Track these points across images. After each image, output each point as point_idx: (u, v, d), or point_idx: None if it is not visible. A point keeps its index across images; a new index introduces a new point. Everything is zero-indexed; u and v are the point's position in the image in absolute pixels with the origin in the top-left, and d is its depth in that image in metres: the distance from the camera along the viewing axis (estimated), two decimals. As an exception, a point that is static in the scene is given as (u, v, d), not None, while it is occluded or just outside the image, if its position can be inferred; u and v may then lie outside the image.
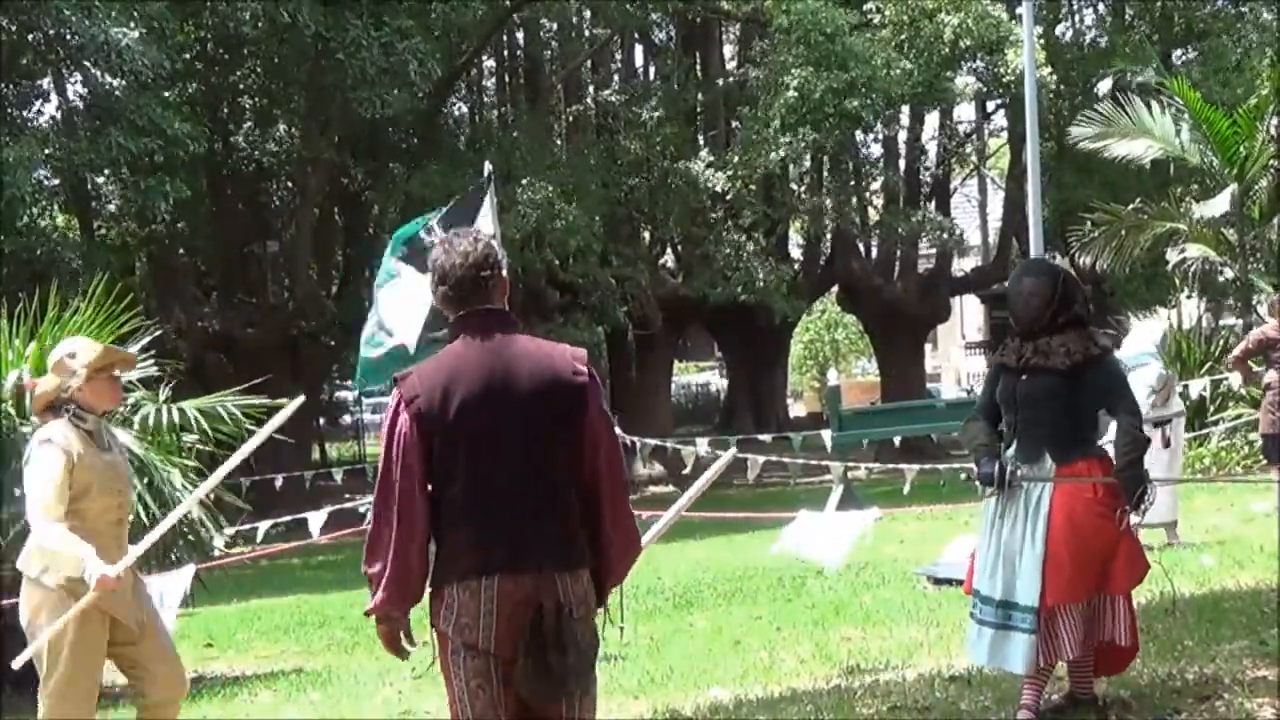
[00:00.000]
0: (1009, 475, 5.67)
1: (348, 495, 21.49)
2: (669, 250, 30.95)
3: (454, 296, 4.08)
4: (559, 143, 27.68)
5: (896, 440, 20.63)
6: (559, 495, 4.05)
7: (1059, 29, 29.69)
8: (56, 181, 23.39)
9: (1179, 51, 27.91)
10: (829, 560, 9.34)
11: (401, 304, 8.45)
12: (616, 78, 31.24)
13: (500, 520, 3.98)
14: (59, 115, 23.51)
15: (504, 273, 4.17)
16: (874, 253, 31.13)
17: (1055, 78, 25.00)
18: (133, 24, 18.94)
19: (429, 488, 3.98)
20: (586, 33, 29.86)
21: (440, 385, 3.97)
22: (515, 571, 3.95)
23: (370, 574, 4.03)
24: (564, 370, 4.05)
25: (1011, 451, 5.75)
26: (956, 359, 48.83)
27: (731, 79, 28.57)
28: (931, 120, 30.79)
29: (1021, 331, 5.79)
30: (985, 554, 5.79)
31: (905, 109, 28.08)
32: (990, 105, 30.28)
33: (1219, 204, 17.17)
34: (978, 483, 5.85)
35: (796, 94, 22.59)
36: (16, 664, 5.59)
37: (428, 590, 4.07)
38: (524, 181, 22.79)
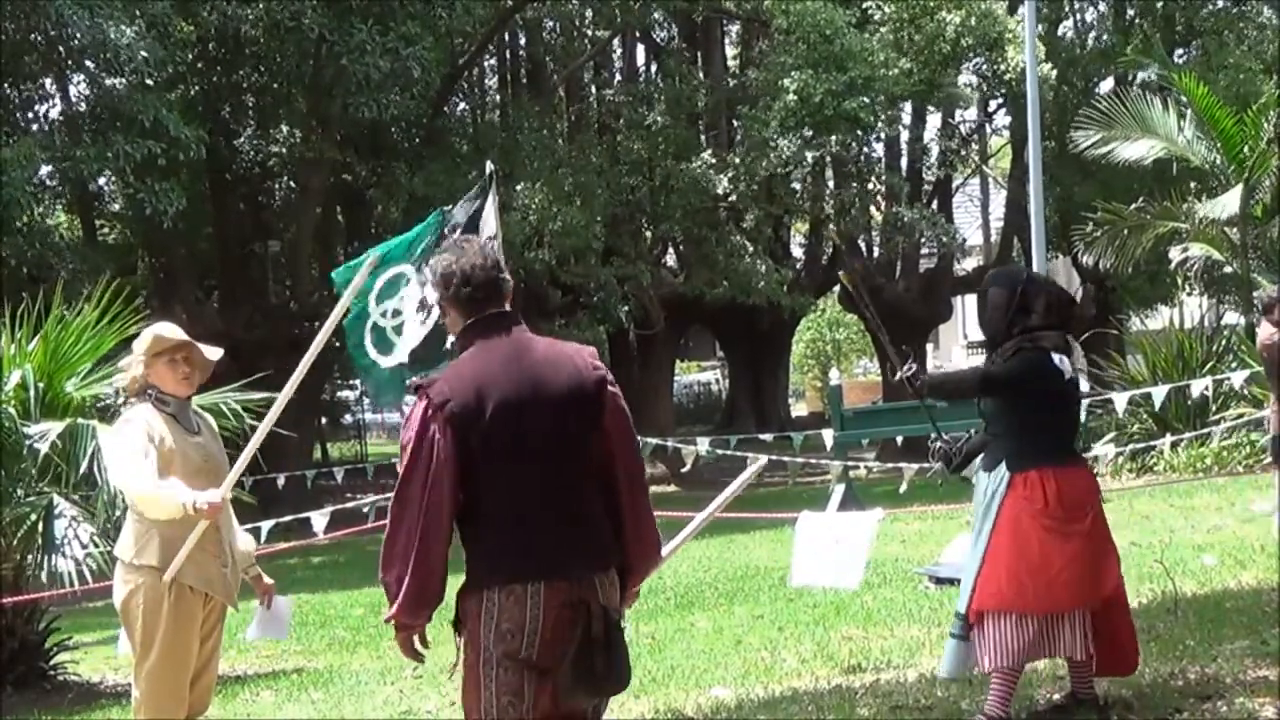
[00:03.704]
0: (951, 452, 5.80)
1: (349, 495, 21.54)
2: (671, 250, 30.95)
3: (476, 298, 4.08)
4: (560, 142, 27.66)
5: (899, 440, 20.61)
6: (592, 496, 4.06)
7: (1061, 28, 29.67)
8: (58, 183, 23.41)
9: (1180, 51, 27.89)
10: (848, 583, 9.31)
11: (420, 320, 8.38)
12: (618, 77, 31.23)
13: (542, 524, 3.97)
14: (61, 117, 23.50)
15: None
16: (875, 252, 31.12)
17: (1055, 74, 24.96)
18: (136, 24, 18.92)
19: (459, 493, 3.94)
20: (589, 32, 29.86)
21: (473, 389, 3.94)
22: (559, 576, 3.94)
23: (388, 581, 3.97)
24: (585, 369, 4.07)
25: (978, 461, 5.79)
26: (958, 358, 48.85)
27: (734, 79, 28.55)
28: (933, 120, 30.78)
29: (987, 341, 5.82)
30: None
31: (907, 109, 28.08)
32: (992, 105, 30.27)
33: (1229, 203, 17.13)
34: (939, 463, 5.97)
35: (796, 97, 22.59)
36: (121, 649, 5.62)
37: (453, 595, 4.03)
38: (519, 186, 22.78)
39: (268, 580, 5.78)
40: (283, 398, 5.66)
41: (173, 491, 5.16)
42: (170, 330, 5.57)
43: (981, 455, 5.76)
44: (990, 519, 5.56)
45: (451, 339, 4.21)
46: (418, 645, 4.10)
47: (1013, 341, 5.63)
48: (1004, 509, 5.53)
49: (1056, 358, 5.63)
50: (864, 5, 24.10)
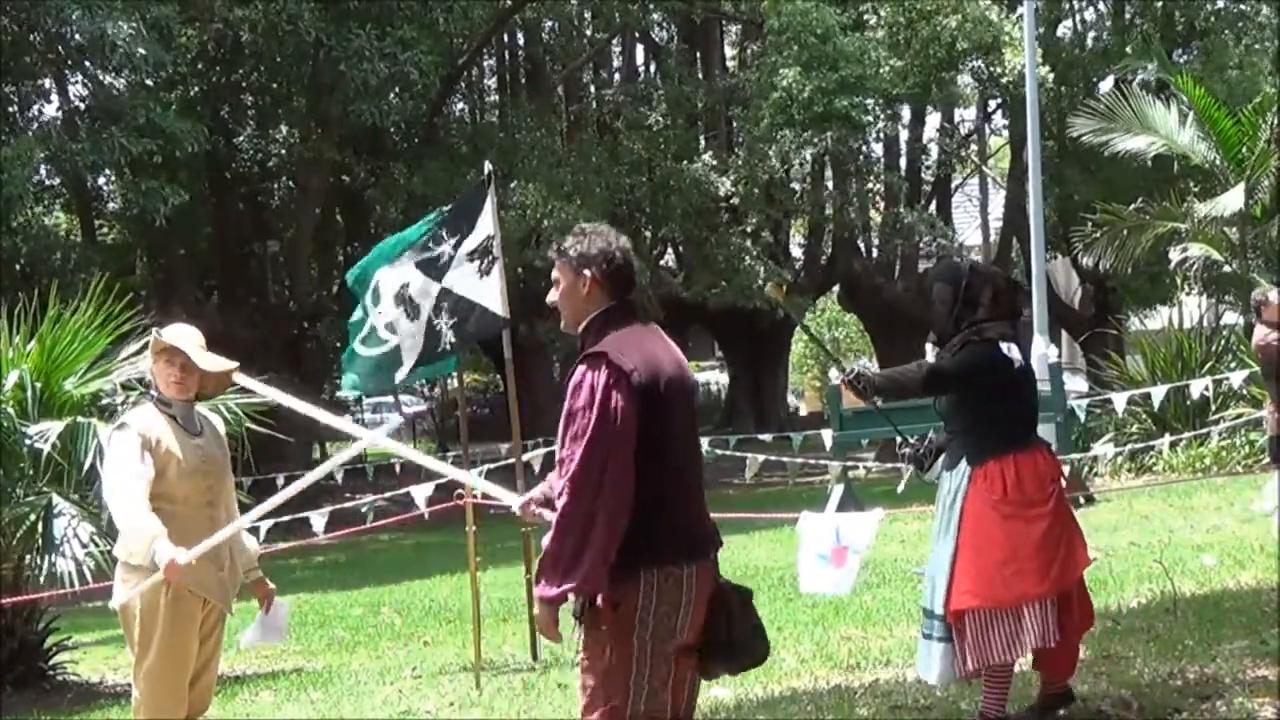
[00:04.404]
0: (920, 455, 5.87)
1: (348, 495, 21.51)
2: (670, 250, 30.92)
3: (625, 281, 4.15)
4: (559, 141, 27.65)
5: (898, 440, 20.60)
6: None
7: (1060, 29, 29.67)
8: (58, 181, 23.42)
9: (1179, 52, 27.89)
10: (845, 588, 9.31)
11: (405, 314, 8.39)
12: (617, 77, 31.21)
13: (695, 505, 4.04)
14: (60, 115, 23.51)
15: None
16: (874, 252, 31.13)
17: (1053, 77, 24.97)
18: (134, 23, 18.90)
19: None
20: (588, 32, 29.85)
21: (648, 362, 3.96)
22: (705, 557, 4.04)
23: (563, 550, 3.84)
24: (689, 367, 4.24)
25: (941, 461, 5.78)
26: (958, 358, 48.78)
27: (732, 79, 28.55)
28: (933, 120, 30.79)
29: (936, 339, 5.79)
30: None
31: (906, 109, 28.08)
32: (991, 104, 30.28)
33: (1229, 203, 17.11)
34: (909, 465, 5.99)
35: (784, 94, 22.61)
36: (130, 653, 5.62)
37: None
38: (512, 185, 22.78)
39: (269, 585, 5.77)
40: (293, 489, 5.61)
41: (150, 535, 5.11)
42: (171, 333, 5.52)
43: (944, 455, 5.75)
44: (955, 517, 5.55)
45: (580, 326, 4.17)
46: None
47: (959, 336, 5.62)
48: (967, 505, 5.52)
49: (1004, 347, 5.60)
50: (860, 8, 24.12)
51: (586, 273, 4.12)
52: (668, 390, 3.96)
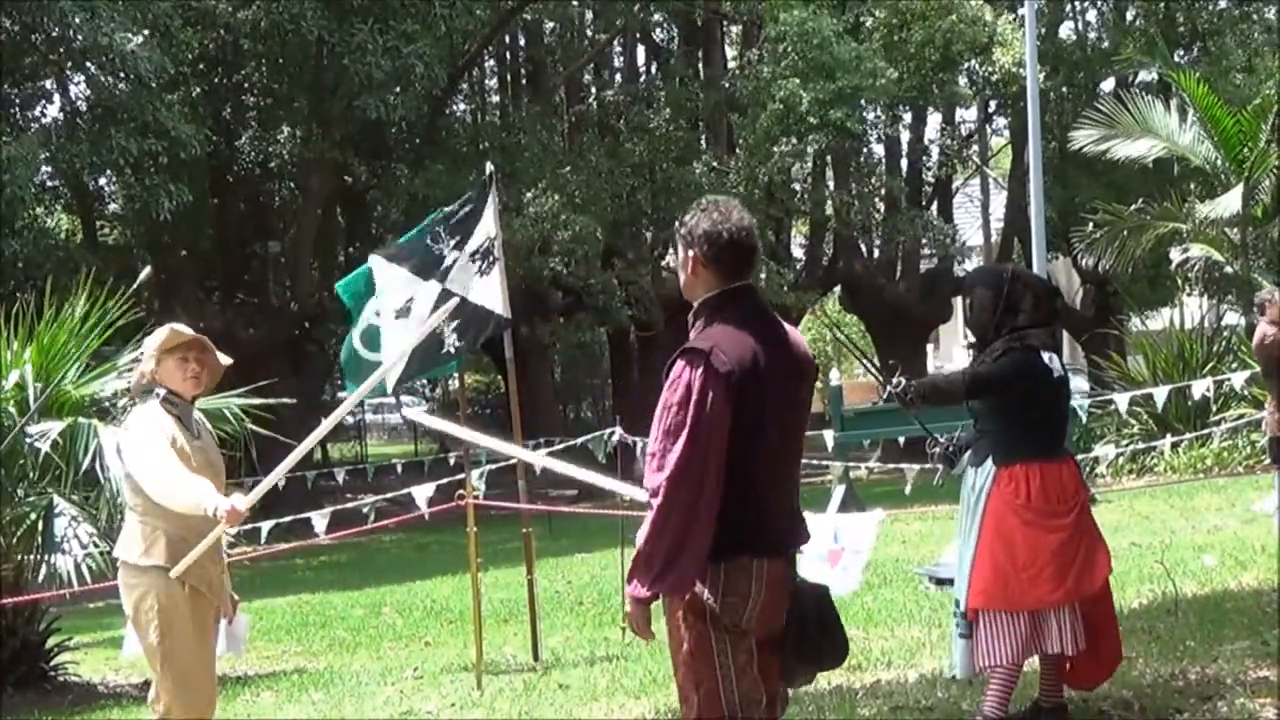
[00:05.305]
0: (951, 453, 5.82)
1: (349, 495, 21.52)
2: (672, 251, 30.88)
3: (735, 263, 3.97)
4: (560, 141, 27.62)
5: (900, 440, 20.58)
6: (798, 471, 4.15)
7: (1062, 30, 29.65)
8: (59, 182, 23.40)
9: (1181, 54, 27.85)
10: (850, 587, 9.32)
11: (392, 321, 8.33)
12: (619, 78, 31.21)
13: (773, 498, 3.97)
14: (61, 116, 23.49)
15: None
16: (876, 253, 31.13)
17: (1046, 79, 24.99)
18: (136, 27, 18.89)
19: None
20: (589, 33, 29.82)
21: (747, 359, 3.85)
22: (780, 552, 3.99)
23: (655, 550, 3.79)
24: (808, 352, 4.11)
25: (967, 456, 5.80)
26: (959, 359, 48.79)
27: (729, 83, 28.59)
28: (934, 120, 30.79)
29: (975, 341, 5.82)
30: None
31: (907, 111, 28.07)
32: (993, 105, 30.27)
33: (1231, 204, 17.11)
34: (942, 465, 5.99)
35: (782, 105, 22.64)
36: (126, 650, 5.57)
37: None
38: (528, 194, 22.78)
39: (235, 596, 5.77)
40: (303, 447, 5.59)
41: (199, 488, 5.10)
42: (186, 329, 5.55)
43: (970, 451, 5.78)
44: (979, 515, 5.59)
45: (694, 302, 4.04)
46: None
47: (1001, 341, 5.64)
48: (989, 505, 5.56)
49: (1046, 356, 5.63)
50: (856, 11, 24.13)
51: (691, 252, 4.00)
52: (772, 386, 3.88)
